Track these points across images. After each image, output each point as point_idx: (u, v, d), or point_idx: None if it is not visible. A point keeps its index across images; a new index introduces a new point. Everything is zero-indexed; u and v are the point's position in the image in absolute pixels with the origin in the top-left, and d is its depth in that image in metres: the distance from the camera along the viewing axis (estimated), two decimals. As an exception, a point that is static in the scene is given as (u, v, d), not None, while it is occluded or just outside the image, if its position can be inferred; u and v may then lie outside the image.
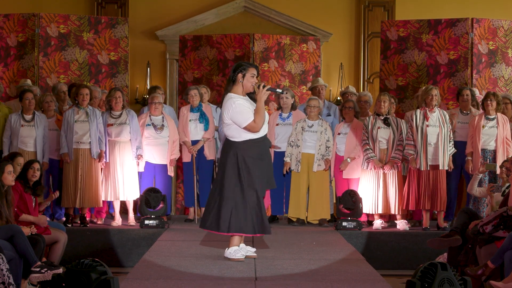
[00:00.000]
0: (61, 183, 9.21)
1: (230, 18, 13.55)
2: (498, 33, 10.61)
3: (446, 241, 7.18)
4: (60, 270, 6.51)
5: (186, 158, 9.58)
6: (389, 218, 9.27)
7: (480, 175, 8.62)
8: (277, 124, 9.49)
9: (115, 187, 9.12)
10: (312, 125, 9.28)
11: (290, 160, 9.27)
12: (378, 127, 9.07)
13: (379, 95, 9.34)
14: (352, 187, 9.30)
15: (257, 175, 6.26)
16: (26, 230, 6.84)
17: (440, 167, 8.84)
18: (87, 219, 9.27)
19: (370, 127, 9.09)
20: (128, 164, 9.15)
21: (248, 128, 6.20)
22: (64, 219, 9.30)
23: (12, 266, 6.05)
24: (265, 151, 6.38)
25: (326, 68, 13.21)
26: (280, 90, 6.64)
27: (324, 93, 10.39)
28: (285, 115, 9.49)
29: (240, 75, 6.30)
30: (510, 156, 8.83)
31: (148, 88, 13.12)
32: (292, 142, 9.27)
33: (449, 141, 8.91)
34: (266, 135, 6.43)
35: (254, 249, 6.55)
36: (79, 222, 9.17)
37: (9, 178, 6.94)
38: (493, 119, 9.10)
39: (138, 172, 9.32)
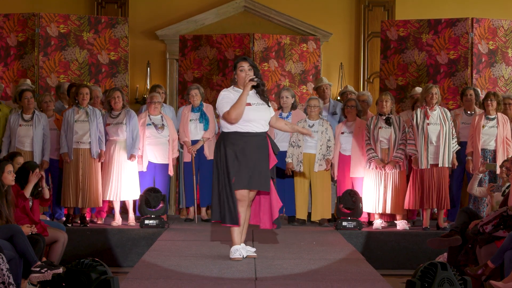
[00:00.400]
0: (61, 183, 9.21)
1: (230, 18, 13.55)
2: (498, 33, 10.61)
3: (446, 241, 7.17)
4: (60, 270, 6.51)
5: (186, 158, 9.58)
6: (390, 218, 9.26)
7: (480, 175, 8.62)
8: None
9: (113, 187, 9.12)
10: (313, 125, 9.28)
11: (292, 160, 9.27)
12: (380, 127, 9.07)
13: (380, 95, 9.34)
14: (356, 186, 9.30)
15: (234, 167, 6.28)
16: (26, 230, 6.84)
17: (440, 165, 8.84)
18: (87, 219, 9.27)
19: (372, 127, 9.10)
20: (125, 164, 9.15)
21: (224, 118, 6.34)
22: (64, 219, 9.30)
23: (12, 266, 6.05)
24: (253, 148, 6.32)
25: (326, 68, 13.20)
26: (256, 79, 6.37)
27: (329, 93, 10.39)
28: (285, 114, 9.48)
29: (234, 72, 6.45)
30: (510, 156, 8.83)
31: (149, 87, 13.13)
32: (293, 142, 9.27)
33: (452, 138, 8.90)
34: (262, 133, 6.38)
35: (254, 249, 6.56)
36: (79, 222, 9.17)
37: (9, 177, 6.93)
38: (493, 119, 9.10)
39: (138, 172, 9.32)
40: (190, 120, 9.52)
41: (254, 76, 6.31)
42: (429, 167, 8.85)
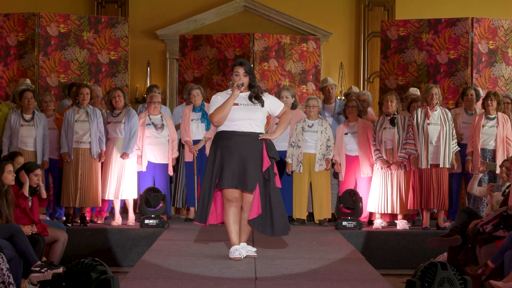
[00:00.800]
0: (61, 183, 9.21)
1: (230, 18, 13.57)
2: (498, 32, 10.61)
3: (446, 240, 7.17)
4: (60, 270, 6.51)
5: (188, 158, 9.58)
6: (391, 218, 9.25)
7: (480, 175, 8.62)
8: (276, 124, 9.46)
9: (111, 186, 9.12)
10: (312, 124, 9.28)
11: (292, 160, 9.27)
12: (384, 128, 9.08)
13: (386, 95, 9.32)
14: (360, 187, 9.29)
15: (217, 166, 6.31)
16: (26, 230, 6.84)
17: (441, 165, 8.84)
18: (87, 218, 9.27)
19: (378, 128, 9.12)
20: (125, 163, 9.15)
21: (210, 121, 6.47)
22: (64, 218, 9.31)
23: (12, 266, 6.05)
24: (239, 147, 6.30)
25: (326, 67, 13.21)
26: (241, 83, 6.37)
27: (334, 93, 10.39)
28: (284, 114, 9.47)
29: (231, 74, 6.48)
30: (510, 156, 8.83)
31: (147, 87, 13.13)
32: (293, 142, 9.27)
33: (452, 139, 8.90)
34: (251, 133, 6.35)
35: (255, 249, 6.55)
36: (79, 221, 9.18)
37: (9, 177, 6.93)
38: (493, 118, 9.10)
39: (138, 172, 9.32)
40: (192, 120, 9.52)
41: (242, 82, 6.33)
42: (429, 167, 8.85)
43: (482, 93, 9.82)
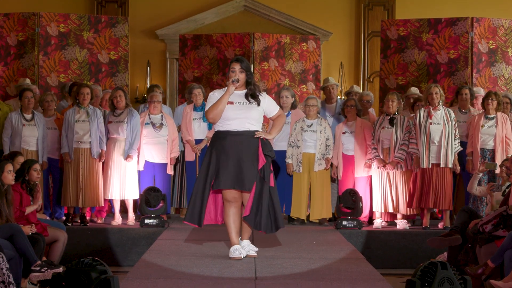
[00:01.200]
0: (61, 183, 9.21)
1: (230, 17, 13.56)
2: (498, 32, 10.61)
3: (446, 240, 7.17)
4: (60, 269, 6.51)
5: (190, 157, 9.57)
6: (391, 217, 9.25)
7: (480, 174, 8.62)
8: None
9: (112, 186, 9.12)
10: (311, 124, 9.27)
11: (291, 161, 9.26)
12: (383, 127, 9.09)
13: (387, 95, 9.32)
14: (358, 186, 9.30)
15: (213, 165, 6.30)
16: (26, 230, 6.84)
17: (441, 165, 8.83)
18: (87, 218, 9.27)
19: (377, 126, 9.12)
20: (125, 163, 9.15)
21: (206, 117, 6.47)
22: (64, 218, 9.31)
23: (12, 265, 6.05)
24: (234, 147, 6.29)
25: (326, 67, 13.21)
26: (234, 78, 6.39)
27: (335, 93, 10.39)
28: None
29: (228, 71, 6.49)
30: (510, 155, 8.83)
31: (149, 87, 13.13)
32: (292, 142, 9.27)
33: (455, 139, 8.89)
34: (246, 132, 6.33)
35: (257, 249, 6.55)
36: (79, 221, 9.18)
37: (9, 177, 6.94)
38: (492, 118, 9.10)
39: (138, 171, 9.32)
40: (193, 119, 9.52)
41: (237, 78, 6.32)
42: (430, 167, 8.85)
43: (483, 93, 9.82)
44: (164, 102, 11.56)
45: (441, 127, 8.85)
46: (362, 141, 9.30)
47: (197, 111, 9.54)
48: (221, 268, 5.97)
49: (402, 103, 9.67)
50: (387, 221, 9.28)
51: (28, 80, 10.14)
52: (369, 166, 9.21)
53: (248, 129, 6.37)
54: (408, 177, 9.05)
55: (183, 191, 9.79)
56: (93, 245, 8.73)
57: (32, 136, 9.06)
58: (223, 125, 6.37)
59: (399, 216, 9.10)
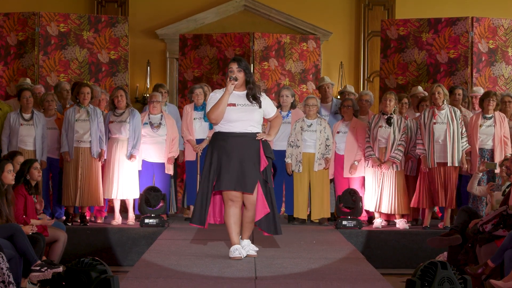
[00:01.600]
0: (61, 182, 9.21)
1: (230, 17, 13.56)
2: (498, 32, 10.61)
3: (446, 240, 7.17)
4: (60, 269, 6.51)
5: (190, 157, 9.57)
6: (388, 217, 9.25)
7: (480, 174, 8.62)
8: None
9: (113, 185, 9.12)
10: (311, 124, 9.27)
11: (291, 160, 9.26)
12: (380, 126, 9.08)
13: (385, 94, 9.31)
14: (352, 185, 9.31)
15: (215, 167, 6.30)
16: (26, 229, 6.84)
17: (448, 164, 8.82)
18: (87, 218, 9.27)
19: (373, 125, 9.11)
20: (126, 162, 9.15)
21: (208, 118, 6.43)
22: (64, 218, 9.31)
23: (12, 265, 6.05)
24: (236, 149, 6.29)
25: (326, 67, 13.21)
26: (233, 77, 6.35)
27: (331, 92, 10.39)
28: (284, 113, 9.48)
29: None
30: (509, 155, 8.83)
31: (149, 86, 13.13)
32: (292, 142, 9.27)
33: (462, 138, 8.88)
34: (248, 134, 6.33)
35: (257, 249, 6.55)
36: (79, 221, 9.17)
37: (9, 177, 6.93)
38: (490, 118, 9.09)
39: (138, 171, 9.31)
40: (194, 119, 9.51)
41: (235, 76, 6.31)
42: (436, 166, 8.85)
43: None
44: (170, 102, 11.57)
45: (445, 126, 8.84)
46: (353, 142, 9.30)
47: (198, 111, 9.54)
48: (221, 268, 5.97)
49: (408, 103, 9.67)
50: (387, 221, 9.28)
51: (28, 80, 10.14)
52: (355, 168, 9.21)
53: (250, 131, 6.37)
54: (400, 178, 9.03)
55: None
56: (93, 244, 8.73)
57: (28, 136, 9.05)
58: (225, 127, 6.35)
59: (397, 216, 9.09)
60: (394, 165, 9.00)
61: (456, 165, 8.84)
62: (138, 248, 8.58)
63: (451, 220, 8.90)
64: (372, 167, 9.07)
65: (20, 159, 7.79)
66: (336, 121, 9.77)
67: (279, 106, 9.60)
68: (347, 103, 9.47)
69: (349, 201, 9.07)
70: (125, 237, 8.81)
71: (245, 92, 6.39)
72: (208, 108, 6.39)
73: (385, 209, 9.03)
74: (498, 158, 8.88)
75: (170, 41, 13.42)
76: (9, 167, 6.94)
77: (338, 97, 11.62)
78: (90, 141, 9.07)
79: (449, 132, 8.83)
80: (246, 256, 6.39)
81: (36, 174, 7.47)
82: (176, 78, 12.98)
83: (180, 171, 10.51)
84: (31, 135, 9.06)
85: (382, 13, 13.50)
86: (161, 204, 9.07)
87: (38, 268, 6.53)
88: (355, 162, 9.26)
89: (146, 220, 8.94)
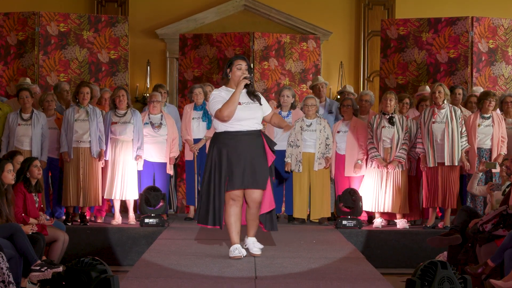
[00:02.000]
0: (61, 182, 9.21)
1: (230, 17, 13.57)
2: (498, 31, 10.61)
3: (446, 239, 7.18)
4: (60, 269, 6.51)
5: (188, 156, 9.57)
6: (390, 217, 9.25)
7: (480, 174, 8.62)
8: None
9: (116, 186, 9.11)
10: (311, 124, 9.27)
11: (290, 160, 9.26)
12: (383, 126, 9.06)
13: (385, 94, 9.31)
14: (353, 185, 9.31)
15: (226, 167, 6.26)
16: (26, 229, 6.84)
17: (446, 163, 8.82)
18: (87, 217, 9.27)
19: (375, 125, 9.10)
20: (129, 163, 9.15)
21: (216, 117, 6.31)
22: (64, 217, 9.31)
23: (12, 265, 6.05)
24: (246, 147, 6.29)
25: (326, 66, 13.22)
26: (249, 75, 6.39)
27: (324, 91, 10.38)
28: (284, 113, 9.48)
29: (228, 69, 6.41)
30: (504, 154, 8.85)
31: (149, 86, 13.13)
32: (292, 142, 9.26)
33: (461, 137, 8.88)
34: (255, 131, 6.35)
35: (262, 246, 6.54)
36: (79, 220, 9.17)
37: (9, 176, 6.93)
38: (488, 117, 9.09)
39: (138, 171, 9.31)
40: (193, 119, 9.52)
41: (249, 75, 6.32)
42: (436, 165, 8.85)
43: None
44: (170, 103, 11.59)
45: (443, 125, 8.84)
46: (354, 141, 9.30)
47: (197, 111, 9.54)
48: (221, 267, 5.97)
49: (410, 102, 9.67)
50: (387, 220, 9.28)
51: (28, 80, 10.13)
52: (359, 167, 9.21)
53: (256, 129, 6.39)
54: (404, 177, 9.04)
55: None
56: (93, 244, 8.73)
57: (25, 136, 9.04)
58: (233, 126, 6.32)
59: (398, 215, 9.10)
60: (400, 165, 8.99)
61: (456, 164, 8.84)
62: (138, 248, 8.58)
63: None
64: (378, 167, 9.05)
65: (20, 158, 7.79)
66: (330, 120, 9.77)
67: (279, 106, 9.60)
68: (347, 102, 9.47)
69: (349, 200, 9.07)
70: (125, 236, 8.81)
71: (245, 90, 6.40)
72: (214, 106, 6.30)
73: (389, 208, 9.01)
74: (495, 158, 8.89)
75: (170, 41, 13.42)
76: (9, 167, 6.94)
77: (338, 97, 11.63)
78: (90, 141, 9.07)
79: (447, 132, 8.82)
80: (246, 255, 6.39)
81: (36, 172, 7.47)
82: (176, 78, 12.98)
83: (180, 171, 10.51)
84: (27, 135, 9.04)
85: (382, 13, 13.50)
86: (161, 203, 9.07)
87: (38, 268, 6.53)
88: (359, 161, 9.25)
89: (146, 220, 8.95)
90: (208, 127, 9.48)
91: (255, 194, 6.37)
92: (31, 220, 7.17)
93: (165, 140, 9.41)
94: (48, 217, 7.65)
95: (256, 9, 13.49)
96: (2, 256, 5.67)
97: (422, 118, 8.99)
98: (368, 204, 9.13)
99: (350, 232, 8.78)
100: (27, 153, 8.95)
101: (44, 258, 6.99)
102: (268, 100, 10.62)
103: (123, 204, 9.42)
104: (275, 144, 6.58)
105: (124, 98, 9.17)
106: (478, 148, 9.06)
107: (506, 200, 7.18)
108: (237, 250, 6.36)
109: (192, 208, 9.65)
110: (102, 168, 9.21)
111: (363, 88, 13.02)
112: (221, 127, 6.36)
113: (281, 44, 11.15)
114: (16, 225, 6.65)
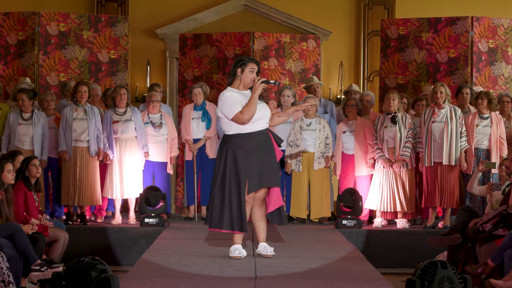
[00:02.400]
0: (59, 181, 9.21)
1: (230, 16, 13.55)
2: (498, 31, 10.61)
3: (446, 239, 7.18)
4: (60, 268, 6.51)
5: (188, 156, 9.57)
6: (392, 216, 9.24)
7: (480, 174, 8.62)
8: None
9: (121, 185, 9.10)
10: (310, 123, 9.28)
11: (290, 160, 9.26)
12: (385, 126, 9.07)
13: (387, 93, 9.30)
14: (359, 185, 9.30)
15: (245, 170, 6.22)
16: (26, 229, 6.84)
17: (444, 163, 8.82)
18: (87, 217, 9.27)
19: (379, 126, 9.11)
20: (133, 161, 9.14)
21: (234, 120, 6.23)
22: (64, 217, 9.31)
23: (12, 265, 6.05)
24: (259, 146, 6.29)
25: (326, 66, 13.20)
26: (273, 81, 6.53)
27: (319, 91, 10.37)
28: (284, 113, 9.46)
29: (239, 69, 6.34)
30: (509, 155, 8.83)
31: (149, 86, 13.11)
32: (291, 142, 9.27)
33: (461, 137, 8.88)
34: (265, 130, 6.36)
35: (273, 248, 6.53)
36: (79, 220, 9.17)
37: (9, 176, 6.93)
38: (487, 118, 9.08)
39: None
40: (192, 119, 9.52)
41: (266, 79, 6.34)
42: (432, 165, 8.85)
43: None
44: (164, 101, 11.57)
45: (442, 125, 8.84)
46: (362, 140, 9.30)
47: (196, 111, 9.54)
48: (221, 267, 5.97)
49: (407, 102, 9.68)
50: (387, 220, 9.28)
51: (28, 79, 10.13)
52: (372, 166, 9.20)
53: (266, 128, 6.41)
54: (411, 175, 9.05)
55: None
56: (93, 244, 8.73)
57: (26, 135, 9.05)
58: (247, 127, 6.27)
59: (399, 215, 9.10)
60: (405, 163, 8.98)
61: (453, 164, 8.84)
62: (138, 248, 8.59)
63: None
64: (384, 168, 9.05)
65: (20, 158, 7.80)
66: (326, 119, 9.75)
67: (279, 105, 9.61)
68: (351, 102, 9.47)
69: (349, 200, 9.07)
70: (125, 236, 8.81)
71: (249, 91, 6.39)
72: (232, 108, 6.22)
73: (396, 207, 9.00)
74: (493, 159, 8.88)
75: (170, 41, 13.41)
76: (9, 166, 6.95)
77: (339, 96, 11.61)
78: (88, 140, 9.06)
79: (446, 131, 8.83)
80: (261, 255, 6.40)
81: (34, 170, 7.46)
82: (176, 78, 12.97)
83: (180, 171, 10.50)
84: (28, 135, 9.05)
85: (382, 13, 13.49)
86: (161, 203, 9.07)
87: (38, 267, 6.54)
88: (370, 160, 9.23)
89: (146, 220, 8.94)
90: (208, 127, 9.48)
91: (260, 192, 6.38)
92: (33, 220, 7.17)
93: (165, 139, 9.42)
94: (48, 217, 7.66)
95: (256, 9, 13.48)
96: (2, 256, 5.67)
97: (422, 118, 9.00)
98: (375, 204, 9.11)
99: (350, 232, 8.79)
100: (28, 153, 8.95)
101: (44, 257, 6.99)
102: (268, 100, 10.66)
103: (123, 204, 9.42)
104: (282, 140, 6.61)
105: (125, 96, 9.17)
106: (475, 148, 9.06)
107: (506, 200, 7.19)
108: (237, 250, 6.36)
109: (192, 208, 9.65)
110: (106, 167, 9.20)
111: (363, 88, 13.00)
112: (234, 129, 6.28)
113: (281, 44, 11.15)
114: (16, 225, 6.65)
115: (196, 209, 9.65)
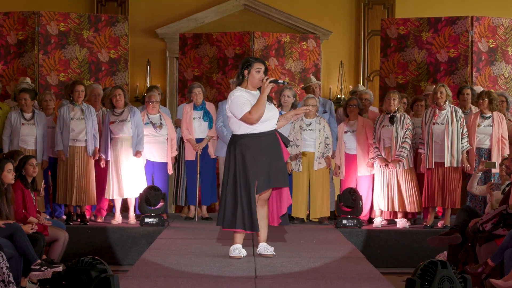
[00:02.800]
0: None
1: (230, 16, 13.56)
2: (498, 31, 10.61)
3: (446, 239, 7.18)
4: (60, 268, 6.51)
5: (190, 156, 9.56)
6: (392, 216, 9.24)
7: (480, 173, 8.62)
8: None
9: (119, 185, 9.10)
10: (310, 123, 9.27)
11: (290, 160, 9.26)
12: (383, 126, 9.07)
13: (388, 93, 9.30)
14: (361, 185, 9.30)
15: (254, 170, 6.22)
16: (26, 228, 6.84)
17: (446, 164, 8.82)
18: (87, 217, 9.27)
19: (377, 125, 9.11)
20: (131, 161, 9.14)
21: (243, 120, 6.23)
22: (64, 217, 9.30)
23: (12, 264, 6.05)
24: (268, 147, 6.29)
25: (326, 66, 13.21)
26: (282, 81, 6.55)
27: (318, 92, 10.37)
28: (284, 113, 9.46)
29: (246, 71, 6.34)
30: (509, 154, 8.83)
31: (149, 85, 13.11)
32: (291, 142, 9.26)
33: (462, 138, 8.87)
34: (273, 131, 6.36)
35: (273, 248, 6.53)
36: (79, 220, 9.17)
37: (9, 176, 6.93)
38: (488, 117, 9.08)
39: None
40: (194, 119, 9.51)
41: (274, 79, 6.34)
42: (433, 166, 8.85)
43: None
44: (164, 101, 11.60)
45: (443, 126, 8.84)
46: (364, 140, 9.29)
47: (197, 110, 9.53)
48: (221, 267, 5.97)
49: (407, 102, 9.68)
50: (387, 220, 9.28)
51: (28, 79, 10.13)
52: (372, 165, 9.21)
53: (274, 128, 6.41)
54: (411, 175, 9.04)
55: (184, 189, 9.75)
56: (93, 244, 8.73)
57: (30, 135, 9.05)
58: (256, 127, 6.27)
59: (399, 215, 9.10)
60: (401, 163, 8.98)
61: (455, 165, 8.83)
62: (138, 247, 8.59)
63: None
64: (380, 167, 9.06)
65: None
66: (325, 119, 9.76)
67: (280, 105, 9.60)
68: (352, 102, 9.46)
69: (349, 200, 9.07)
70: (125, 236, 8.81)
71: (257, 91, 6.40)
72: (239, 109, 6.22)
73: (397, 207, 9.00)
74: (495, 158, 8.87)
75: (170, 40, 13.42)
76: (9, 166, 6.95)
77: (339, 96, 11.60)
78: (86, 140, 9.05)
79: (447, 133, 8.82)
80: (261, 255, 6.41)
81: (31, 170, 7.46)
82: (176, 77, 12.98)
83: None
84: (32, 135, 9.06)
85: (382, 12, 13.49)
86: (161, 203, 9.07)
87: (38, 267, 6.54)
88: (370, 159, 9.24)
89: (146, 219, 8.94)
90: (210, 127, 9.48)
91: (266, 193, 6.39)
92: (32, 219, 7.17)
93: (165, 140, 9.41)
94: (48, 216, 7.65)
95: (256, 9, 13.49)
96: (2, 256, 5.67)
97: (423, 119, 9.00)
98: (379, 203, 9.11)
99: (350, 232, 8.79)
100: (32, 153, 8.95)
101: (44, 257, 6.99)
102: (268, 99, 10.62)
103: (123, 204, 9.41)
104: (289, 141, 6.62)
105: (120, 97, 9.16)
106: (477, 148, 9.06)
107: (506, 200, 7.19)
108: (237, 250, 6.37)
109: (192, 208, 9.64)
110: (102, 168, 9.21)
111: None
112: (243, 129, 6.28)
113: (281, 43, 11.15)
114: (16, 225, 6.66)
115: (196, 209, 9.63)
